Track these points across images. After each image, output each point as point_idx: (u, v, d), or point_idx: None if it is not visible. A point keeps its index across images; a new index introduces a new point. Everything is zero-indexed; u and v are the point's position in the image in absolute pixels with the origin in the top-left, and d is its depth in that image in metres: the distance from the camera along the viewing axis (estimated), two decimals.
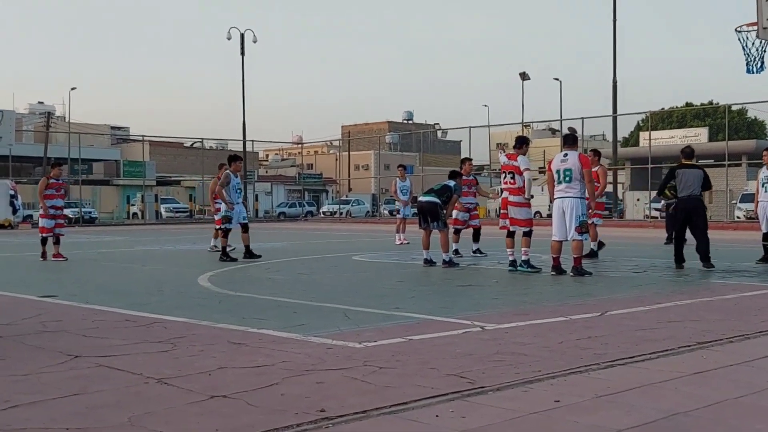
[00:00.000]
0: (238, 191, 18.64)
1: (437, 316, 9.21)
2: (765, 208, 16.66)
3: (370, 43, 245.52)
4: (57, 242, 19.49)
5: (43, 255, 19.20)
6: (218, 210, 19.66)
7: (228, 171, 18.56)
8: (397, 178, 25.87)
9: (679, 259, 15.17)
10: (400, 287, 12.72)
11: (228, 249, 18.44)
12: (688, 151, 15.67)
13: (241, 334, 7.98)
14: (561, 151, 14.47)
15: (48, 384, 5.90)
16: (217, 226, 19.87)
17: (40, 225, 19.77)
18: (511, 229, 15.16)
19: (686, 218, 15.30)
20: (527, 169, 14.91)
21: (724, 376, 6.01)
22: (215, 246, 19.54)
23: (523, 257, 14.70)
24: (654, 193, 44.84)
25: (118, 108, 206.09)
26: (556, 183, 14.00)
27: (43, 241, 19.45)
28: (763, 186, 16.82)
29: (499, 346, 7.24)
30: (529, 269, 14.58)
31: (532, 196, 15.14)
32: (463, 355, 6.78)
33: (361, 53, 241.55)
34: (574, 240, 13.72)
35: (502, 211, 15.88)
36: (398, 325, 8.56)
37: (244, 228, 18.50)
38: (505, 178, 15.21)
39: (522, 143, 15.26)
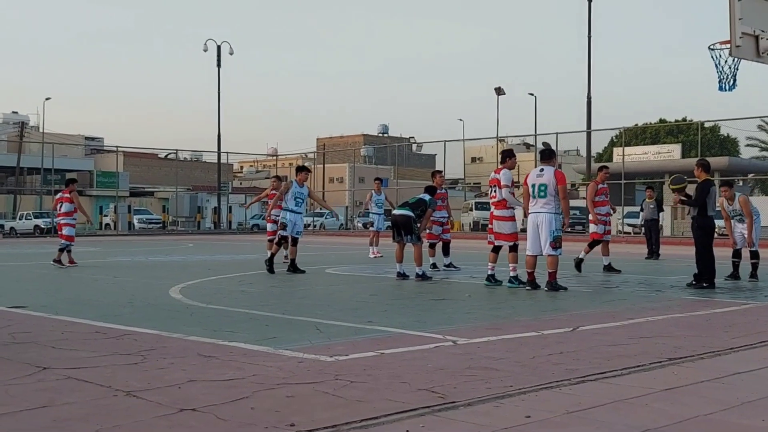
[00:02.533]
0: (299, 201, 18.63)
1: (409, 330, 9.19)
2: (741, 233, 16.89)
3: (346, 56, 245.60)
4: (63, 249, 20.98)
5: (61, 260, 20.48)
6: (273, 221, 20.42)
7: (293, 179, 18.73)
8: (373, 191, 26.04)
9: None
10: (373, 301, 12.70)
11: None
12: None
13: (211, 347, 7.93)
14: (537, 166, 14.49)
15: (16, 396, 5.85)
16: (269, 238, 20.53)
17: (68, 233, 21.09)
18: (496, 243, 15.03)
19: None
20: (506, 186, 14.81)
21: (695, 393, 6.02)
22: (286, 256, 19.55)
23: (511, 273, 14.53)
24: (628, 209, 45.22)
25: (92, 119, 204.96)
26: (531, 198, 13.98)
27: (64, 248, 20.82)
28: (733, 219, 17.01)
29: (470, 360, 7.24)
30: (518, 285, 14.34)
31: (519, 203, 14.87)
32: (435, 370, 6.77)
33: (338, 66, 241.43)
34: (549, 255, 13.73)
35: (489, 226, 15.67)
36: (370, 338, 8.55)
37: (294, 241, 18.48)
38: (492, 192, 15.28)
39: (506, 157, 15.22)
